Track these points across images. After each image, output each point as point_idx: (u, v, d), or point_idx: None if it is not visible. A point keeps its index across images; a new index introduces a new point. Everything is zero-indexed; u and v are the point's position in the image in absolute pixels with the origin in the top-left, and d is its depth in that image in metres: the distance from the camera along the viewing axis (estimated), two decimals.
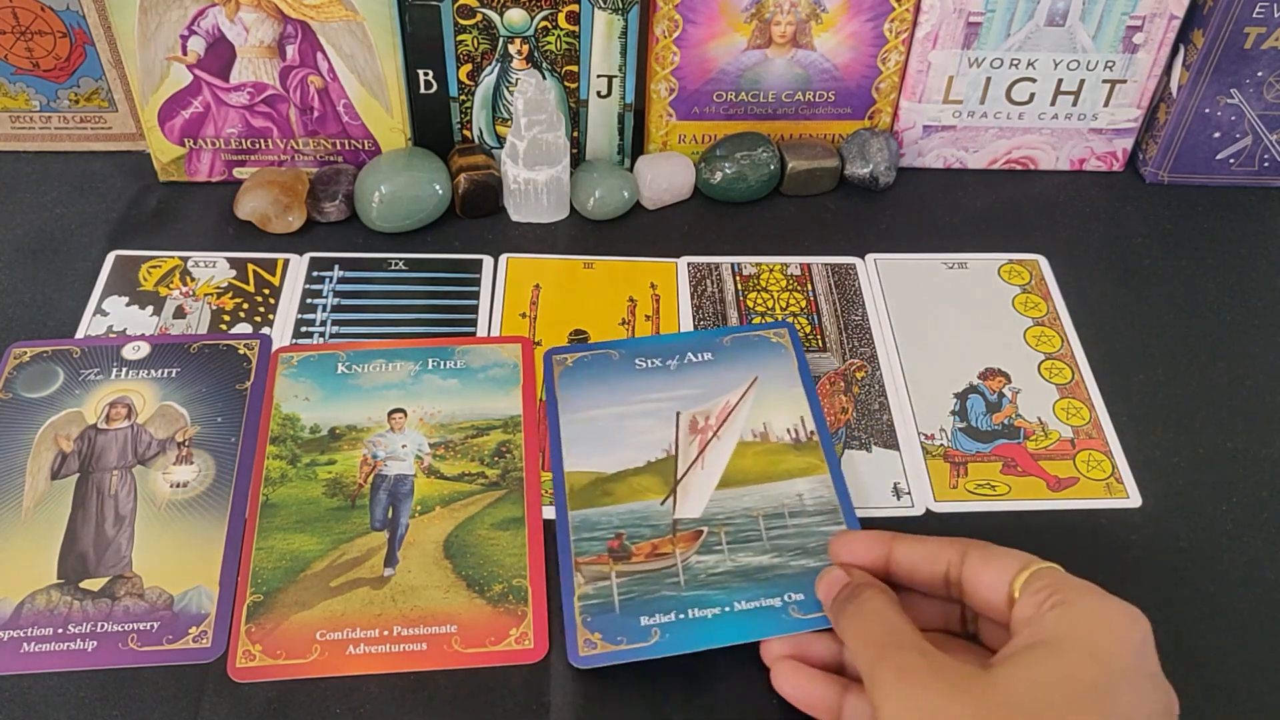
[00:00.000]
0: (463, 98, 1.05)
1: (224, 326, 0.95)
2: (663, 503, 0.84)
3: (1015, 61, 1.07)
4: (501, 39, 1.01)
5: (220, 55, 1.01)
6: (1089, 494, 0.88)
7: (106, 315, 0.96)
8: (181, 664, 0.75)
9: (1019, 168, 1.16)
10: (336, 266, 1.01)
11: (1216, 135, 1.10)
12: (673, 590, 0.78)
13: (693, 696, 0.75)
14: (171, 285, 0.99)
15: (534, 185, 1.03)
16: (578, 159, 1.10)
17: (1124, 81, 1.09)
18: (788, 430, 0.88)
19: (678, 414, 0.89)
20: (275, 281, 1.00)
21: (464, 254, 1.03)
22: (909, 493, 0.87)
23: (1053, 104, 1.10)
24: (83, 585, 0.78)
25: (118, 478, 0.84)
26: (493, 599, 0.78)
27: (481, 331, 0.96)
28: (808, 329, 0.98)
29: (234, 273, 1.00)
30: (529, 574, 0.80)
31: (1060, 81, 1.08)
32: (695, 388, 0.91)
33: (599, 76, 1.04)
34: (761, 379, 0.91)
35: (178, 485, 0.84)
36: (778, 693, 0.73)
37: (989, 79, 1.08)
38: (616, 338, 0.96)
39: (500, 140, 1.08)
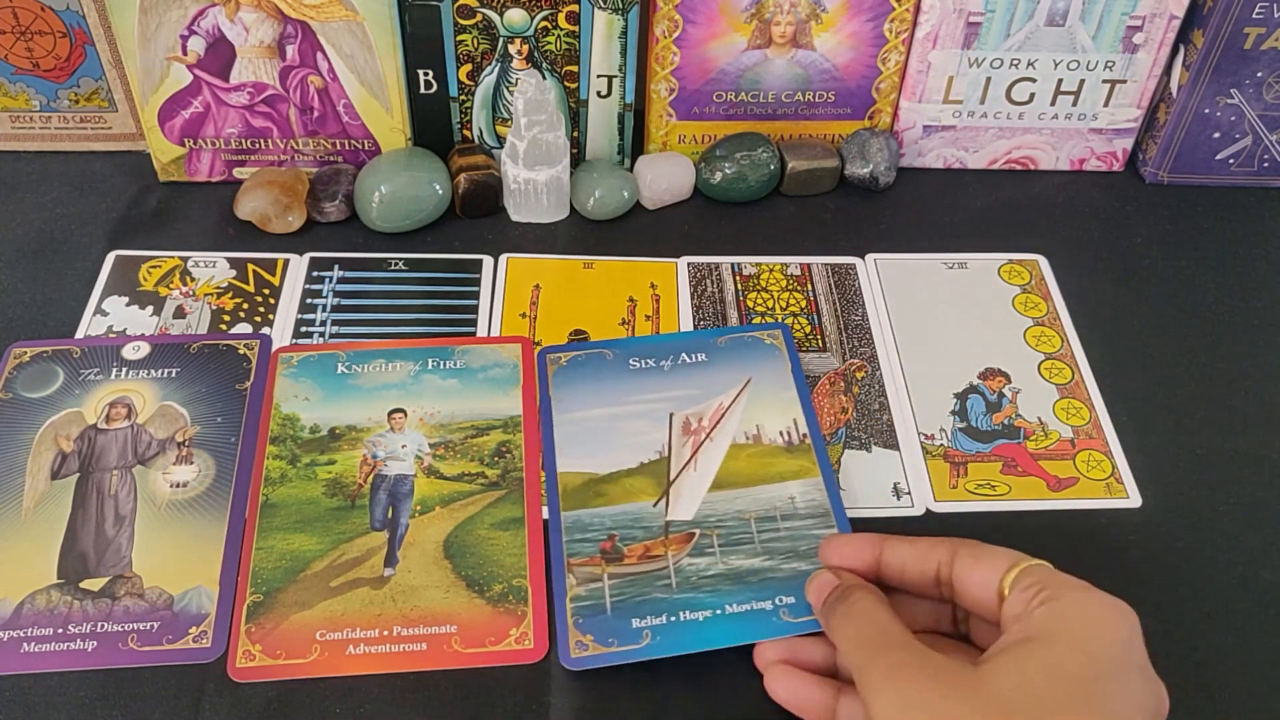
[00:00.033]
0: (463, 98, 1.05)
1: (224, 326, 0.95)
2: (655, 504, 0.84)
3: (1015, 61, 1.07)
4: (501, 39, 1.01)
5: (220, 55, 1.01)
6: (1089, 494, 0.88)
7: (106, 315, 0.96)
8: (181, 664, 0.75)
9: (1019, 168, 1.16)
10: (336, 266, 1.01)
11: (1216, 135, 1.10)
12: (664, 592, 0.78)
13: (692, 697, 0.75)
14: (171, 285, 0.99)
15: (534, 185, 1.03)
16: (578, 159, 1.10)
17: (1124, 81, 1.09)
18: (780, 433, 0.88)
19: (671, 415, 0.89)
20: (275, 281, 1.00)
21: (464, 254, 1.03)
22: (909, 493, 0.87)
23: (1053, 104, 1.10)
24: (83, 585, 0.78)
25: (118, 478, 0.84)
26: (492, 599, 0.78)
27: (481, 331, 0.96)
28: (808, 329, 0.98)
29: (234, 273, 1.00)
30: (529, 574, 0.80)
31: (1060, 81, 1.08)
32: (689, 389, 0.91)
33: (599, 76, 1.04)
34: (755, 381, 0.91)
35: (178, 485, 0.84)
36: (771, 698, 0.73)
37: (989, 79, 1.08)
38: (616, 338, 0.96)
39: (500, 140, 1.08)
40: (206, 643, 0.75)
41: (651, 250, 1.04)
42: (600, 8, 0.99)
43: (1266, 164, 1.13)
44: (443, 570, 0.80)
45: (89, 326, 0.95)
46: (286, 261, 1.01)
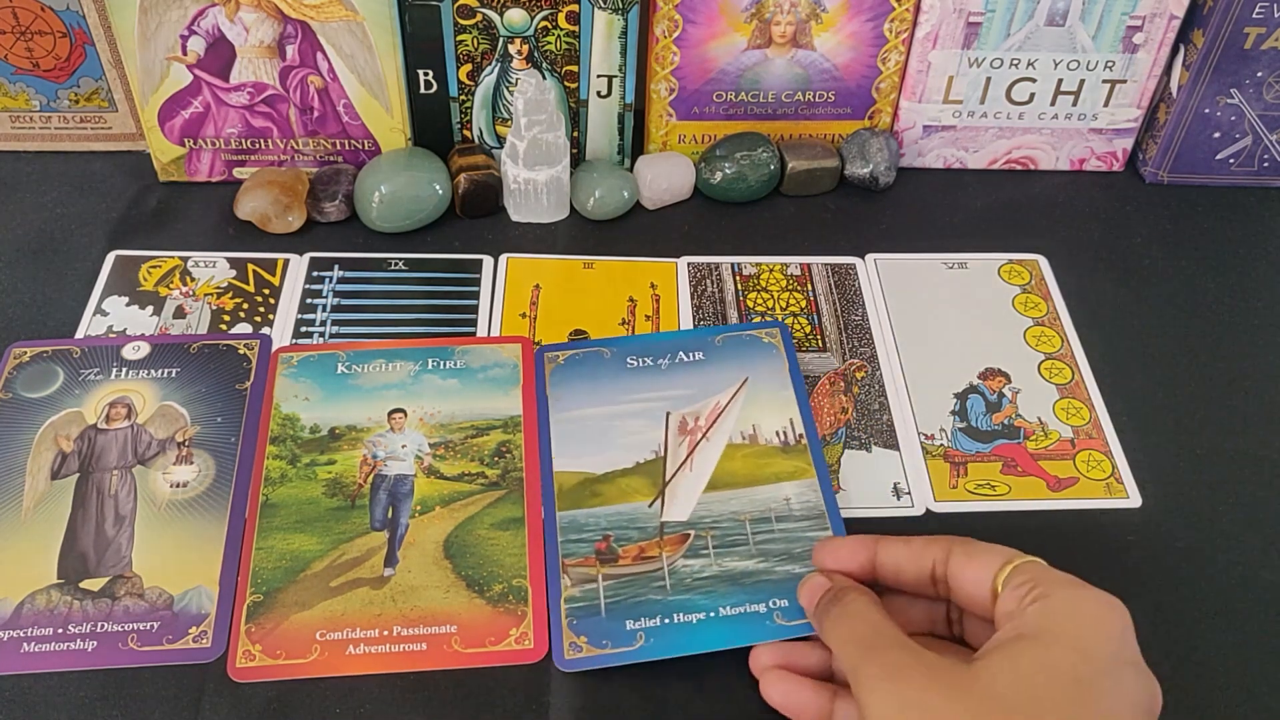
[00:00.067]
0: (463, 98, 1.05)
1: (224, 326, 0.95)
2: (650, 505, 0.84)
3: (1015, 61, 1.07)
4: (501, 39, 1.01)
5: (220, 55, 1.01)
6: (1089, 494, 0.88)
7: (106, 315, 0.96)
8: (181, 664, 0.75)
9: (1019, 168, 1.16)
10: (336, 266, 1.01)
11: (1216, 135, 1.10)
12: (659, 594, 0.78)
13: (693, 698, 0.75)
14: (171, 285, 0.99)
15: (534, 185, 1.03)
16: (578, 159, 1.10)
17: (1124, 81, 1.09)
18: (777, 432, 0.88)
19: (667, 414, 0.89)
20: (275, 281, 1.00)
21: (464, 254, 1.03)
22: (909, 493, 0.87)
23: (1053, 104, 1.10)
24: (83, 585, 0.78)
25: (118, 478, 0.84)
26: (492, 599, 0.78)
27: (481, 331, 0.96)
28: (808, 329, 0.98)
29: (234, 273, 1.00)
30: (529, 574, 0.80)
31: (1060, 81, 1.08)
32: (686, 388, 0.91)
33: (599, 76, 1.04)
34: (752, 380, 0.91)
35: (178, 485, 0.84)
36: (767, 703, 0.73)
37: (989, 79, 1.08)
38: (614, 336, 0.96)
39: (500, 140, 1.08)
40: (206, 643, 0.76)
41: (651, 250, 1.04)
42: (600, 8, 0.99)
43: (1266, 164, 1.13)
44: (443, 570, 0.80)
45: (89, 326, 0.95)
46: (286, 261, 1.02)
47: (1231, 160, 1.12)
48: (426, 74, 1.03)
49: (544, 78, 1.01)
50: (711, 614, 0.77)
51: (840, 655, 0.67)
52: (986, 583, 0.66)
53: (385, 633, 0.76)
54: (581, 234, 1.06)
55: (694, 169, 1.09)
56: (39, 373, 0.90)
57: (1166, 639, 0.78)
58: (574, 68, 1.04)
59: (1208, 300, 1.03)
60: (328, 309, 0.98)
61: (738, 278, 1.02)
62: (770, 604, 0.77)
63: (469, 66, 1.03)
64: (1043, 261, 1.05)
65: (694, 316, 0.98)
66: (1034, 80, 1.08)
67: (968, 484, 0.88)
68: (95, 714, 0.73)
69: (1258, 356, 0.98)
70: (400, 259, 1.02)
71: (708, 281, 1.01)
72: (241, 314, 0.97)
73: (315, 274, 1.00)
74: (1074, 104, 1.10)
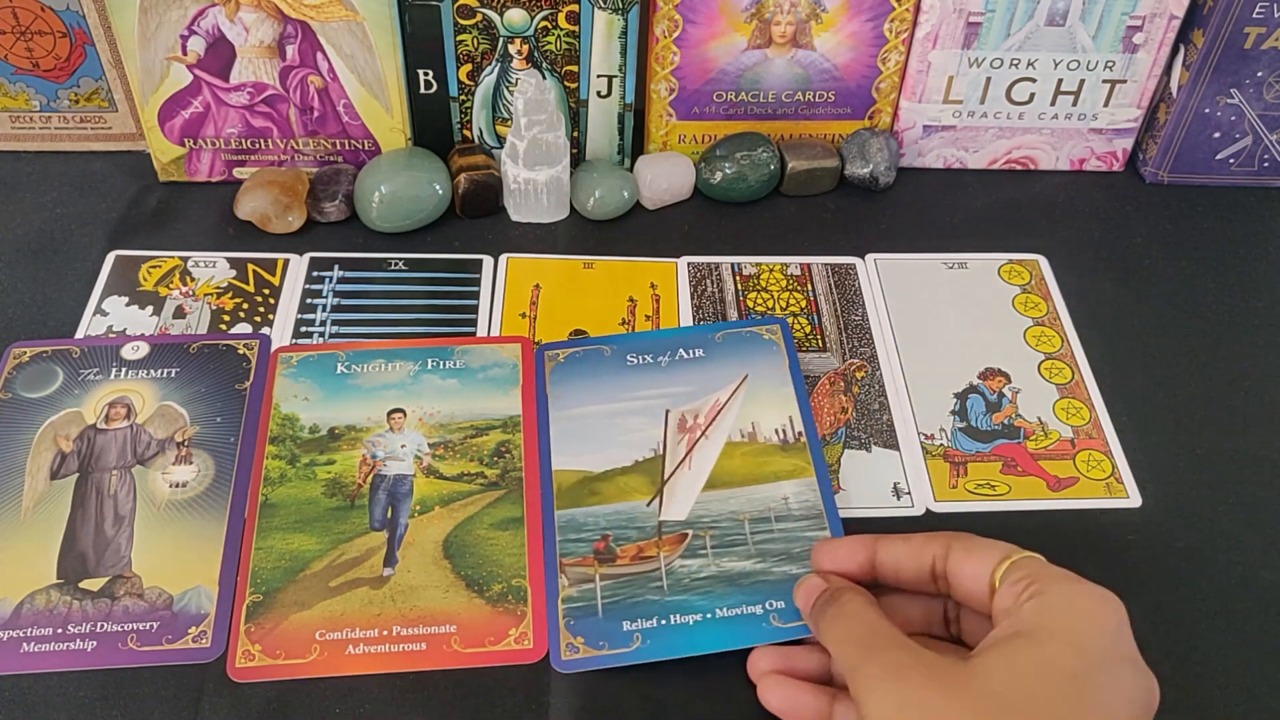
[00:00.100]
0: (463, 98, 1.05)
1: (224, 326, 0.95)
2: (649, 504, 0.84)
3: (1015, 61, 1.07)
4: (501, 39, 1.01)
5: (220, 55, 1.01)
6: (1089, 494, 0.88)
7: (106, 315, 0.96)
8: (181, 664, 0.75)
9: (1019, 168, 1.16)
10: (336, 266, 1.01)
11: (1216, 135, 1.10)
12: (656, 594, 0.78)
13: (693, 699, 0.75)
14: (171, 285, 0.99)
15: (534, 185, 1.03)
16: (578, 159, 1.10)
17: (1124, 81, 1.09)
18: (776, 431, 0.88)
19: (666, 412, 0.89)
20: (275, 281, 1.00)
21: (464, 254, 1.03)
22: (909, 493, 0.87)
23: (1053, 104, 1.10)
24: (82, 585, 0.78)
25: (117, 478, 0.84)
26: (492, 599, 0.78)
27: (481, 331, 0.96)
28: (808, 329, 0.98)
29: (234, 273, 1.00)
30: (528, 574, 0.80)
31: (1060, 81, 1.08)
32: (686, 385, 0.91)
33: (599, 76, 1.04)
34: (752, 377, 0.91)
35: (177, 485, 0.84)
36: (765, 707, 0.72)
37: (989, 79, 1.08)
38: (614, 334, 0.96)
39: (500, 140, 1.08)
40: (206, 642, 0.76)
41: (651, 250, 1.04)
42: (600, 8, 0.99)
43: (1266, 164, 1.12)
44: (442, 570, 0.80)
45: (89, 326, 0.95)
46: (286, 261, 1.02)
47: (1231, 160, 1.12)
48: (426, 74, 1.03)
49: (544, 78, 1.01)
50: (708, 615, 0.77)
51: (837, 655, 0.67)
52: (984, 578, 0.66)
53: (385, 633, 0.76)
54: (581, 234, 1.06)
55: (694, 169, 1.09)
56: (38, 373, 0.90)
57: (1166, 639, 0.78)
58: (574, 68, 1.04)
59: (1208, 300, 1.03)
60: (328, 309, 0.98)
61: (738, 278, 1.02)
62: (767, 605, 0.77)
63: (469, 66, 1.03)
64: (1043, 261, 1.05)
65: (694, 316, 0.98)
66: (1034, 80, 1.08)
67: (968, 484, 0.88)
68: (95, 714, 0.73)
69: (1258, 356, 0.98)
70: (400, 259, 1.02)
71: (708, 281, 1.01)
72: (241, 314, 0.97)
73: (315, 274, 1.00)
74: (1074, 104, 1.10)
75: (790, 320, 0.98)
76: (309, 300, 0.98)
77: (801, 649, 0.74)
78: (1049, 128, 1.12)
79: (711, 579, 0.79)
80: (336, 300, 0.98)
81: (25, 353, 0.91)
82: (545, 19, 1.00)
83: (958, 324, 0.99)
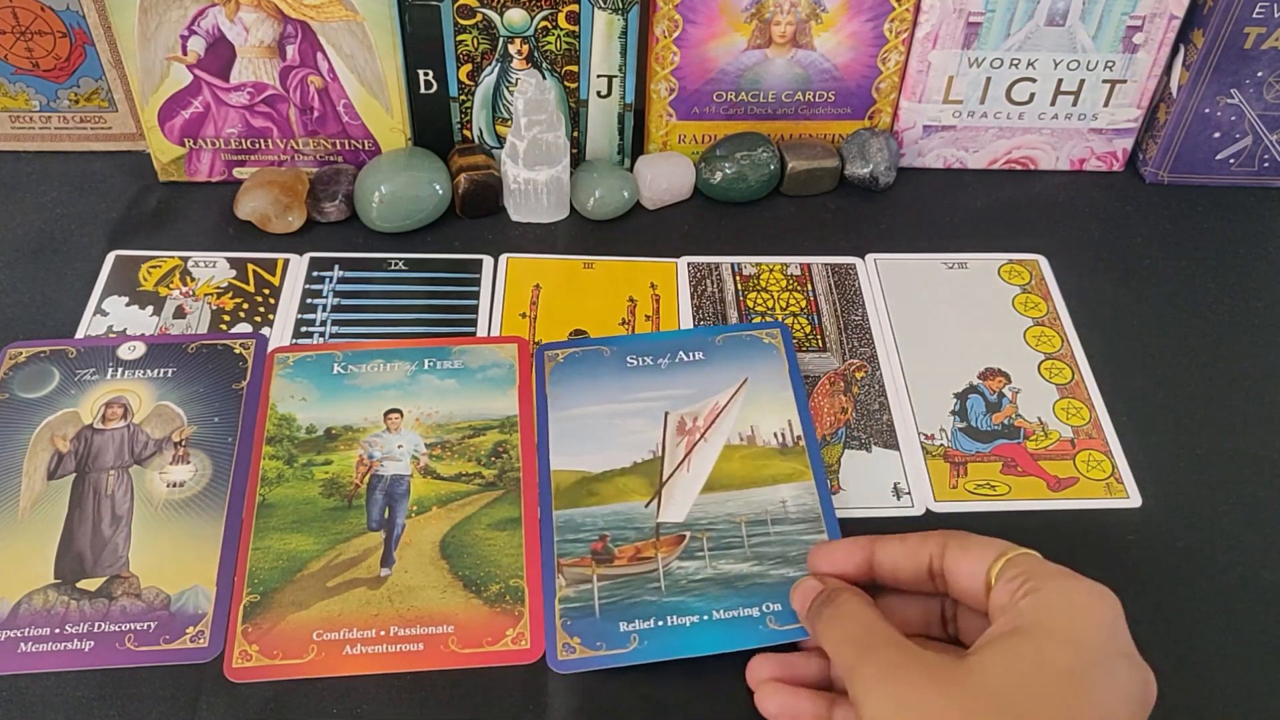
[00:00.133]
0: (463, 98, 1.05)
1: (224, 326, 0.95)
2: (647, 505, 0.84)
3: (1015, 61, 1.07)
4: (501, 39, 1.01)
5: (220, 55, 1.01)
6: (1089, 494, 0.87)
7: (106, 315, 0.96)
8: (179, 664, 0.75)
9: (1019, 168, 1.15)
10: (336, 266, 1.01)
11: (1216, 135, 1.10)
12: (653, 596, 0.78)
13: (692, 699, 0.75)
14: (171, 285, 0.99)
15: (534, 185, 1.03)
16: (578, 159, 1.10)
17: (1124, 81, 1.09)
18: (775, 434, 0.88)
19: (666, 414, 0.89)
20: (275, 281, 1.00)
21: (464, 254, 1.03)
22: (909, 493, 0.87)
23: (1053, 104, 1.10)
24: (80, 585, 0.78)
25: (114, 477, 0.84)
26: (489, 599, 0.78)
27: (482, 331, 0.96)
28: (808, 329, 0.98)
29: (234, 273, 1.00)
30: (525, 574, 0.79)
31: (1060, 81, 1.08)
32: (685, 387, 0.91)
33: (599, 76, 1.04)
34: (752, 380, 0.91)
35: (174, 485, 0.84)
36: (763, 715, 0.72)
37: (989, 79, 1.08)
38: (614, 335, 0.96)
39: (500, 140, 1.08)
40: (204, 642, 0.76)
41: (651, 250, 1.04)
42: (600, 8, 0.99)
43: (1266, 164, 1.12)
44: (439, 570, 0.80)
45: (89, 326, 0.95)
46: (286, 261, 1.01)
47: (1231, 160, 1.12)
48: (426, 74, 1.03)
49: (544, 78, 1.01)
50: (705, 617, 0.77)
51: (834, 656, 0.67)
52: (980, 576, 0.66)
53: (382, 633, 0.76)
54: (581, 234, 1.06)
55: (694, 169, 1.09)
56: (35, 373, 0.90)
57: (1166, 639, 0.78)
58: (574, 68, 1.04)
59: (1208, 300, 1.03)
60: (328, 309, 0.98)
61: (738, 278, 1.02)
62: (764, 608, 0.77)
63: (469, 66, 1.03)
64: (1043, 261, 1.05)
65: (694, 316, 0.98)
66: (1034, 80, 1.08)
67: (968, 484, 0.88)
68: (92, 714, 0.73)
69: (1258, 356, 0.98)
70: (400, 259, 1.02)
71: (708, 281, 1.01)
72: (241, 314, 0.97)
73: (315, 274, 1.00)
74: (1074, 104, 1.10)
75: (790, 320, 0.98)
76: (309, 300, 0.98)
77: (801, 655, 0.74)
78: (1049, 128, 1.12)
79: (708, 581, 0.79)
80: (337, 300, 0.98)
81: (21, 353, 0.91)
82: (545, 19, 1.00)
83: (958, 324, 0.99)
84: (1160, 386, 0.95)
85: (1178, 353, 0.98)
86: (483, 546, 0.81)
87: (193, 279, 0.99)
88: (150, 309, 0.96)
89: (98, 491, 0.83)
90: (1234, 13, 1.01)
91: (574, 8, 0.99)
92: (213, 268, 1.00)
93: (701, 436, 0.87)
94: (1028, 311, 1.00)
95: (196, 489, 0.83)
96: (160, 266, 1.00)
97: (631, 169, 1.09)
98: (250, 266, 1.01)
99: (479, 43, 1.01)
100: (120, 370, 0.90)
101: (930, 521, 0.85)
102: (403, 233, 1.04)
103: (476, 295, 0.99)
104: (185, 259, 1.01)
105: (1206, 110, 1.08)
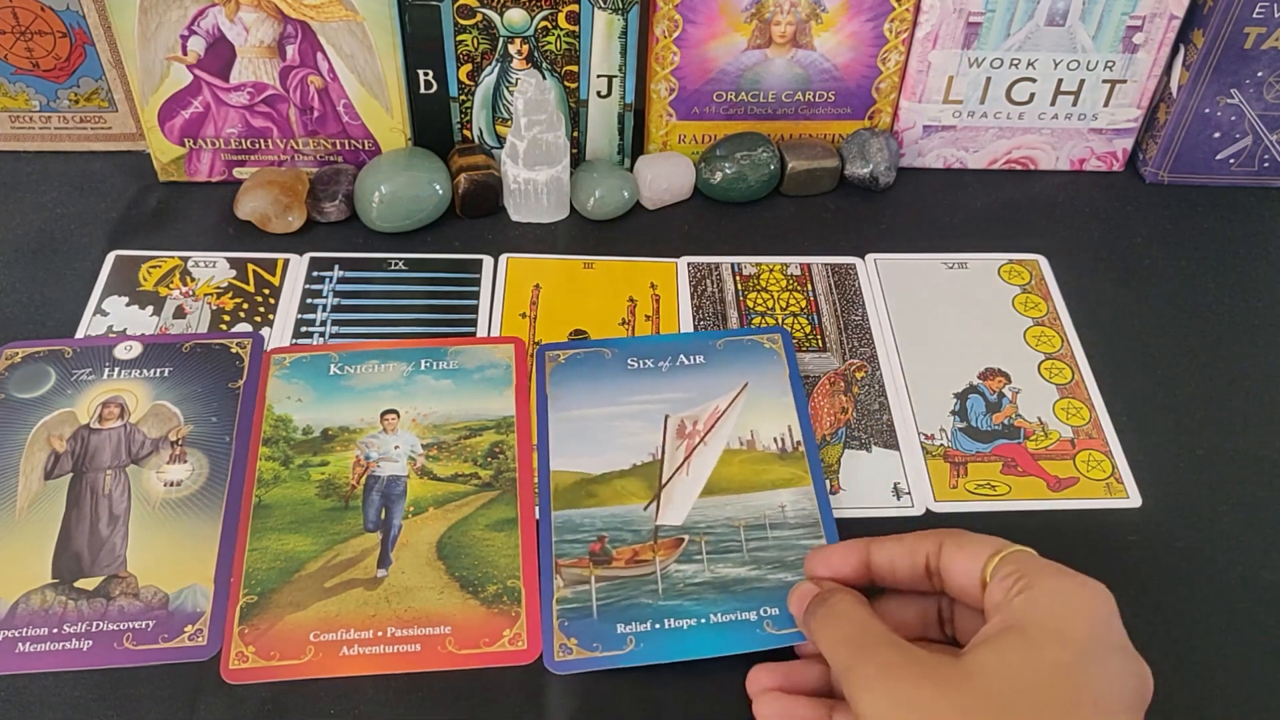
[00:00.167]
0: (463, 98, 1.05)
1: (224, 326, 0.95)
2: (646, 508, 0.84)
3: (1015, 61, 1.07)
4: (501, 39, 1.01)
5: (220, 55, 1.01)
6: (1089, 494, 0.87)
7: (106, 315, 0.96)
8: (177, 663, 0.75)
9: (1019, 168, 1.15)
10: (336, 266, 1.01)
11: (1216, 135, 1.10)
12: (650, 598, 0.78)
13: (691, 700, 0.75)
14: (171, 285, 0.99)
15: (534, 185, 1.03)
16: (578, 159, 1.10)
17: (1124, 81, 1.09)
18: (774, 439, 0.88)
19: (666, 417, 0.89)
20: (275, 281, 1.00)
21: (464, 254, 1.03)
22: (909, 493, 0.87)
23: (1053, 104, 1.10)
24: (77, 585, 0.78)
25: (111, 477, 0.84)
26: (486, 600, 0.78)
27: (482, 332, 0.96)
28: (808, 329, 0.98)
29: (234, 273, 1.00)
30: (522, 575, 0.79)
31: (1060, 81, 1.08)
32: (686, 391, 0.91)
33: (599, 76, 1.04)
34: (752, 385, 0.91)
35: (171, 484, 0.84)
36: None
37: (989, 79, 1.08)
38: (615, 337, 0.96)
39: (500, 140, 1.08)
40: (202, 640, 0.76)
41: (651, 250, 1.04)
42: (600, 8, 0.99)
43: (1266, 164, 1.12)
44: (436, 571, 0.80)
45: (89, 327, 0.95)
46: (286, 261, 1.01)
47: (1231, 160, 1.12)
48: (426, 74, 1.03)
49: (544, 78, 1.01)
50: (702, 620, 0.77)
51: (830, 656, 0.67)
52: (976, 573, 0.66)
53: (379, 634, 0.76)
54: (581, 234, 1.06)
55: (694, 169, 1.09)
56: (31, 373, 0.90)
57: (1166, 639, 0.78)
58: (574, 68, 1.04)
59: (1208, 300, 1.02)
60: (328, 309, 0.97)
61: (738, 278, 1.02)
62: (761, 612, 0.77)
63: (469, 66, 1.03)
64: (1043, 261, 1.05)
65: (694, 317, 0.98)
66: (1034, 80, 1.08)
67: (968, 484, 0.88)
68: (91, 714, 0.73)
69: (1258, 356, 0.98)
70: (400, 259, 1.02)
71: (708, 281, 1.01)
72: (241, 314, 0.97)
73: (315, 274, 1.00)
74: (1074, 104, 1.10)
75: (790, 320, 0.98)
76: (309, 300, 0.98)
77: (801, 664, 0.74)
78: (1049, 128, 1.12)
79: (706, 584, 0.79)
80: (336, 300, 0.98)
81: (18, 353, 0.91)
82: (545, 19, 1.00)
83: (958, 324, 0.99)
84: (1160, 386, 0.95)
85: (1178, 353, 0.98)
86: (480, 547, 0.81)
87: (193, 279, 0.99)
88: (150, 309, 0.96)
89: (95, 491, 0.83)
90: (1234, 13, 1.01)
91: (574, 8, 0.99)
92: (213, 268, 1.00)
93: (701, 440, 0.87)
94: (1028, 311, 1.00)
95: (194, 488, 0.83)
96: (160, 266, 1.00)
97: (631, 169, 1.09)
98: (250, 266, 1.01)
99: (479, 43, 1.01)
100: (116, 370, 0.90)
101: (930, 522, 0.85)
102: (403, 233, 1.04)
103: (476, 295, 0.99)
104: (185, 259, 1.01)
105: (1206, 110, 1.08)
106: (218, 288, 0.99)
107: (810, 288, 1.01)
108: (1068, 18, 1.04)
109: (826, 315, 0.99)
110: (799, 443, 0.88)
